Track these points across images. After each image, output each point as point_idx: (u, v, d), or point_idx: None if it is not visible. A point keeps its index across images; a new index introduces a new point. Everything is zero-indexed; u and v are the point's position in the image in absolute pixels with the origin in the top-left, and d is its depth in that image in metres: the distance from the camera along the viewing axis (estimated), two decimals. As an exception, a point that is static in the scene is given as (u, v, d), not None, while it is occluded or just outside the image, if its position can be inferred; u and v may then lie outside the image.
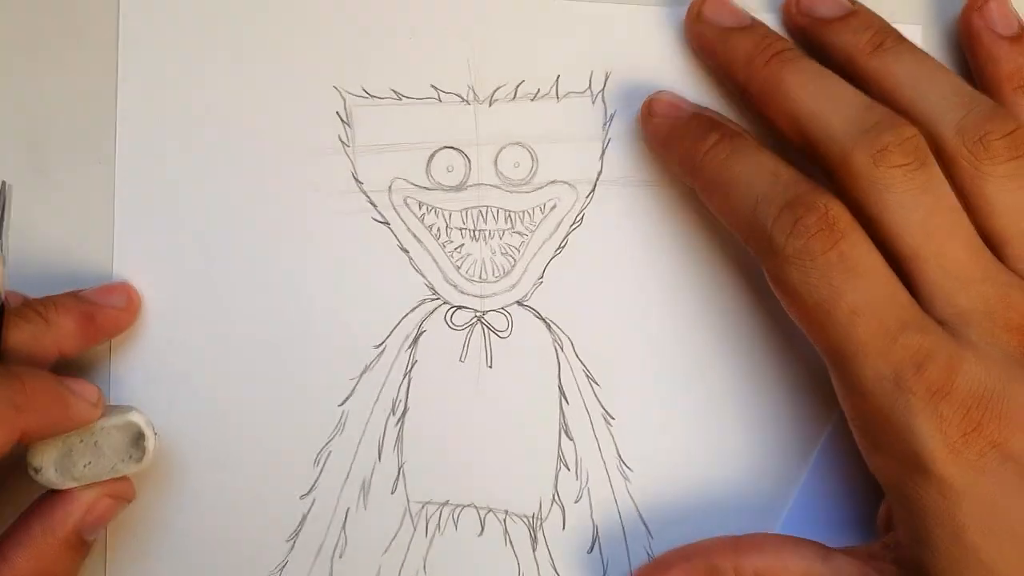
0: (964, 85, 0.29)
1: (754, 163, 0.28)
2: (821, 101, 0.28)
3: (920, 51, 0.30)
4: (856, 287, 0.26)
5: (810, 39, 0.32)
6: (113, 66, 0.33)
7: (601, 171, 0.33)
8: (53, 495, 0.29)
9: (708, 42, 0.32)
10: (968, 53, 0.33)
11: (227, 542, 0.32)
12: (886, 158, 0.27)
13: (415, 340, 0.33)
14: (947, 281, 0.27)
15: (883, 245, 0.27)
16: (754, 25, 0.32)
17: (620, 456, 0.33)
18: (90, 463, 0.28)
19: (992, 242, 0.28)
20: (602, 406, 0.33)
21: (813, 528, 0.32)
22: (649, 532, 0.33)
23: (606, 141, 0.33)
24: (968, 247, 0.27)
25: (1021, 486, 0.25)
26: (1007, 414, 0.26)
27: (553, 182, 0.33)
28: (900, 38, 0.30)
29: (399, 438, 0.33)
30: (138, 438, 0.29)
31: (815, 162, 0.29)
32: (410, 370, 0.33)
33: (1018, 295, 0.27)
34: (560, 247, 0.33)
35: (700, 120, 0.30)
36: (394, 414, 0.33)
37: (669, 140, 0.31)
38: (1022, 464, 0.25)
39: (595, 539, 0.33)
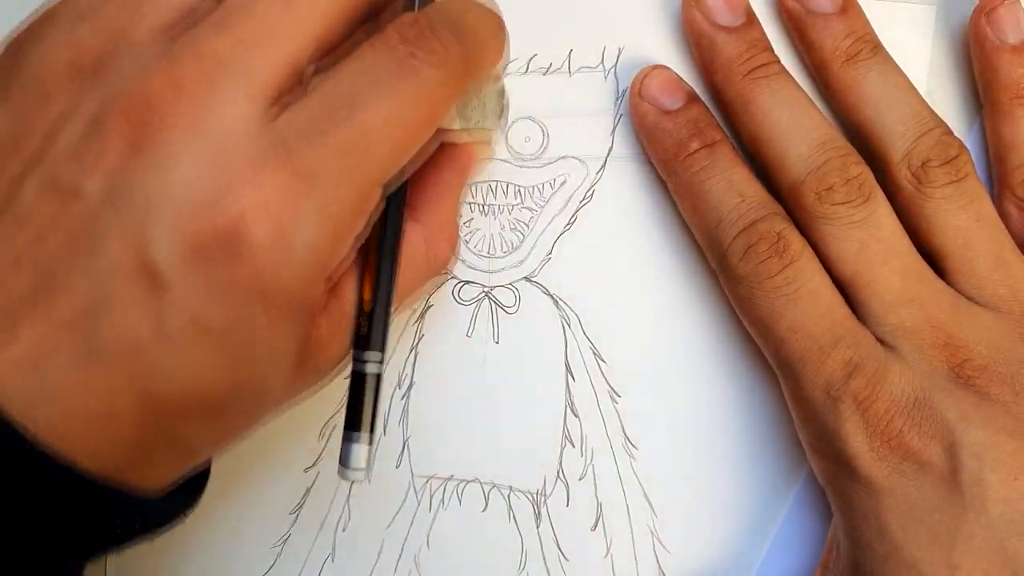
0: (922, 109, 0.31)
1: (725, 182, 0.30)
2: (781, 130, 0.30)
3: (891, 68, 0.31)
4: (795, 307, 0.29)
5: (795, 29, 0.33)
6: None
7: (612, 147, 0.33)
8: (451, 145, 0.29)
9: (696, 36, 0.32)
10: (972, 54, 0.33)
11: (231, 514, 0.32)
12: (830, 196, 0.30)
13: (422, 314, 0.33)
14: (878, 304, 0.29)
15: (827, 269, 0.30)
16: (745, 27, 0.32)
17: (625, 434, 0.33)
18: (476, 111, 0.28)
19: (934, 259, 0.30)
20: (608, 383, 0.33)
21: (822, 508, 0.32)
22: (653, 510, 0.33)
23: (617, 117, 0.33)
24: (901, 272, 0.29)
25: (936, 490, 0.27)
26: (926, 423, 0.28)
27: (563, 157, 0.33)
28: (875, 50, 0.31)
29: (404, 412, 0.33)
30: (500, 100, 0.30)
31: (768, 179, 0.31)
32: (416, 344, 0.33)
33: (944, 316, 0.29)
34: (569, 223, 0.33)
35: (686, 122, 0.31)
36: (400, 388, 0.33)
37: (653, 133, 0.31)
38: (937, 470, 0.27)
39: (599, 516, 0.33)
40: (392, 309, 0.27)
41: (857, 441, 0.28)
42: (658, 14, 0.33)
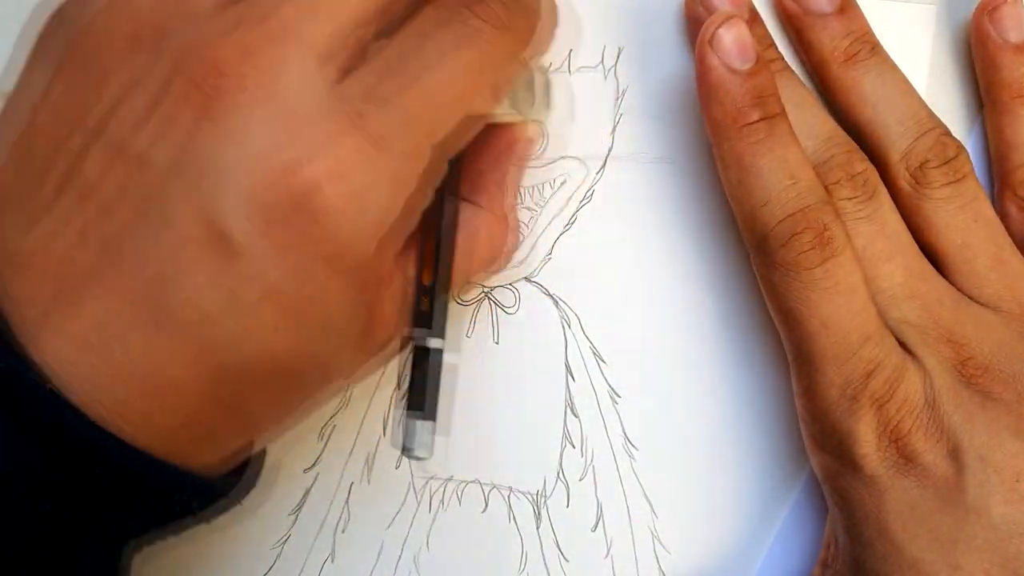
0: (920, 109, 0.31)
1: (779, 160, 0.29)
2: None
3: (889, 68, 0.31)
4: (831, 303, 0.28)
5: (794, 29, 0.33)
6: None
7: (612, 147, 0.33)
8: (505, 128, 0.29)
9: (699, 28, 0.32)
10: (974, 53, 0.33)
11: (230, 515, 0.32)
12: (836, 191, 0.30)
13: (421, 315, 0.33)
14: (882, 299, 0.29)
15: None
16: (749, 24, 0.31)
17: (626, 434, 0.33)
18: (527, 98, 0.28)
19: (933, 259, 0.30)
20: (608, 384, 0.33)
21: (822, 508, 0.32)
22: (654, 511, 0.33)
23: (618, 117, 0.33)
24: (904, 269, 0.29)
25: (939, 491, 0.27)
26: (932, 425, 0.28)
27: (563, 157, 0.33)
28: (874, 50, 0.31)
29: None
30: (546, 86, 0.30)
31: None
32: (416, 345, 0.33)
33: (946, 313, 0.29)
34: (569, 223, 0.33)
35: (751, 88, 0.29)
36: (399, 388, 0.33)
37: (715, 91, 0.29)
38: (941, 471, 0.27)
39: (599, 517, 0.33)
40: (453, 290, 0.27)
41: (867, 440, 0.28)
42: (658, 14, 0.33)
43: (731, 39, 0.29)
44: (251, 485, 0.26)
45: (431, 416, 0.27)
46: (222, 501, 0.25)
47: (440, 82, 0.23)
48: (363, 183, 0.22)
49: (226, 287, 0.21)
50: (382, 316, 0.25)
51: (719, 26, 0.29)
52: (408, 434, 0.26)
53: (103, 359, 0.21)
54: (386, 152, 0.22)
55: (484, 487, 0.33)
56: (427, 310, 0.26)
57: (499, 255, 0.29)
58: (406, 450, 0.27)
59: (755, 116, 0.29)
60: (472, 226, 0.28)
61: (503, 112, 0.28)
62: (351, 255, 0.22)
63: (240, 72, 0.22)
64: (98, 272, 0.21)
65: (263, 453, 0.26)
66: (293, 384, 0.24)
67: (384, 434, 0.33)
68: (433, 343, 0.27)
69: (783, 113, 0.30)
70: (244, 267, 0.21)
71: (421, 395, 0.27)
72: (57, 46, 0.24)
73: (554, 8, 0.26)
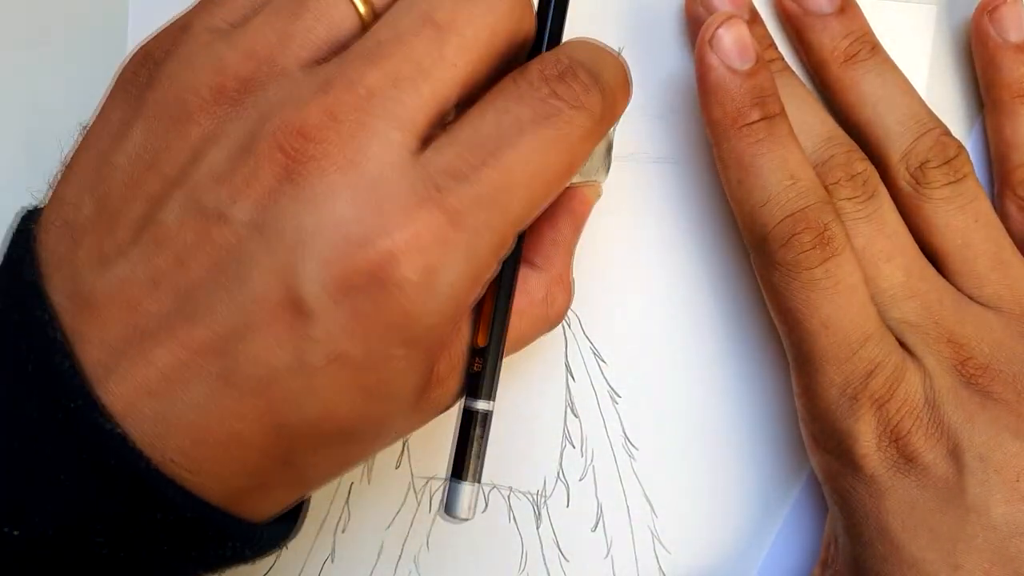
0: (920, 110, 0.31)
1: (779, 160, 0.29)
2: None
3: (889, 68, 0.31)
4: (831, 303, 0.28)
5: (793, 29, 0.33)
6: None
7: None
8: (564, 197, 0.29)
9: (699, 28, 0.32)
10: (974, 53, 0.33)
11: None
12: (837, 191, 0.30)
13: (421, 315, 0.33)
14: (882, 299, 0.29)
15: None
16: (749, 24, 0.31)
17: (626, 434, 0.33)
18: (587, 164, 0.28)
19: (934, 259, 0.30)
20: (609, 384, 0.33)
21: (822, 508, 0.32)
22: (653, 511, 0.33)
23: (618, 117, 0.33)
24: (904, 268, 0.30)
25: (939, 491, 0.27)
26: (933, 425, 0.28)
27: (564, 157, 0.33)
28: (874, 50, 0.32)
29: (404, 413, 0.33)
30: (608, 150, 0.30)
31: None
32: (416, 345, 0.33)
33: (946, 313, 0.29)
34: (569, 223, 0.33)
35: (751, 88, 0.29)
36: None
37: (714, 91, 0.29)
38: (941, 471, 0.28)
39: (599, 517, 0.33)
40: (504, 353, 0.27)
41: (867, 440, 0.28)
42: (658, 14, 0.33)
43: (731, 39, 0.29)
44: (296, 532, 0.26)
45: (476, 479, 0.27)
46: (270, 545, 0.25)
47: (518, 161, 0.23)
48: (438, 259, 0.22)
49: (296, 348, 0.22)
50: (440, 377, 0.26)
51: (719, 26, 0.29)
52: (452, 497, 0.26)
53: (168, 408, 0.21)
54: (463, 229, 0.22)
55: (484, 487, 0.33)
56: (479, 372, 0.26)
57: (555, 317, 0.29)
58: (447, 515, 0.27)
59: (755, 116, 0.29)
60: (529, 286, 0.28)
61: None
62: (421, 326, 0.23)
63: (326, 138, 0.22)
64: (170, 323, 0.22)
65: (307, 501, 0.26)
66: (351, 444, 0.24)
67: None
68: (482, 406, 0.27)
69: (783, 113, 0.30)
70: (315, 331, 0.22)
71: (467, 459, 0.27)
72: (140, 85, 0.24)
73: (627, 85, 0.26)
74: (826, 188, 0.29)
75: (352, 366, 0.22)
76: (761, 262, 0.30)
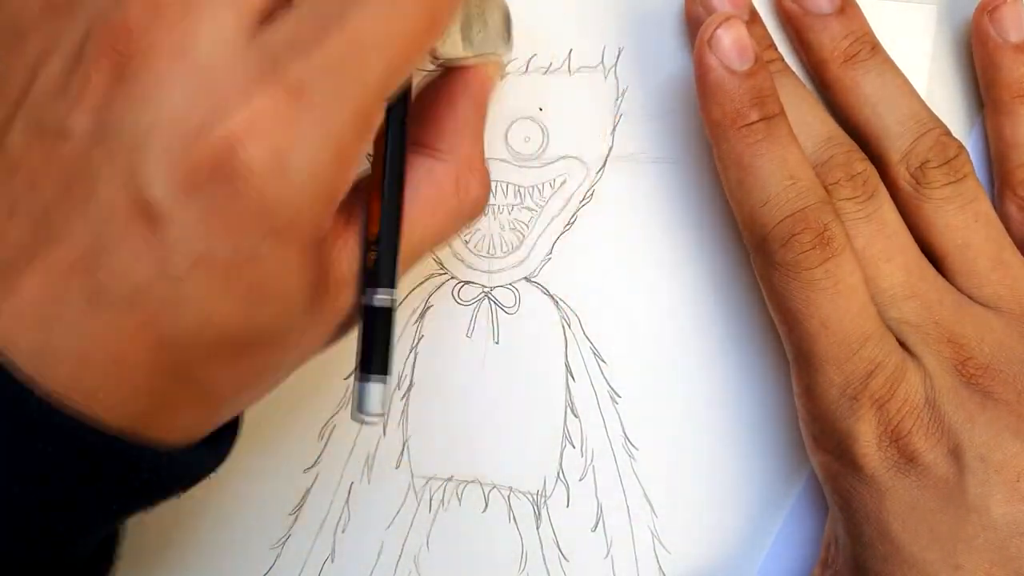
0: (921, 109, 0.31)
1: (778, 160, 0.29)
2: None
3: (889, 68, 0.31)
4: (831, 303, 0.28)
5: (793, 29, 0.33)
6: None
7: (612, 147, 0.33)
8: (461, 70, 0.27)
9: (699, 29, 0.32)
10: (974, 53, 0.33)
11: (229, 515, 0.32)
12: (837, 191, 0.30)
13: (421, 315, 0.33)
14: (882, 299, 0.29)
15: None
16: (748, 25, 0.31)
17: (626, 434, 0.33)
18: (480, 33, 0.27)
19: (934, 259, 0.30)
20: (609, 384, 0.33)
21: (822, 508, 0.32)
22: (654, 511, 0.33)
23: (618, 117, 0.33)
24: (904, 268, 0.29)
25: (939, 491, 0.27)
26: (933, 425, 0.28)
27: (563, 157, 0.33)
28: (874, 50, 0.31)
29: (404, 413, 0.33)
30: (506, 20, 0.28)
31: None
32: (416, 345, 0.33)
33: (946, 313, 0.29)
34: (569, 223, 0.33)
35: (749, 88, 0.29)
36: (399, 389, 0.33)
37: (713, 92, 0.29)
38: (941, 472, 0.27)
39: (599, 517, 0.33)
40: (426, 249, 0.26)
41: (867, 440, 0.28)
42: (658, 14, 0.33)
43: (730, 40, 0.29)
44: (226, 455, 0.25)
45: (382, 373, 0.25)
46: (192, 472, 0.24)
47: (369, 25, 0.21)
48: (284, 139, 0.21)
49: (156, 257, 0.21)
50: (338, 278, 0.24)
51: (718, 27, 0.29)
52: (362, 395, 0.25)
53: (46, 336, 0.21)
54: (310, 105, 0.21)
55: (484, 487, 0.33)
56: (374, 264, 0.24)
57: (472, 206, 0.27)
58: (358, 414, 0.25)
59: (754, 116, 0.29)
60: (436, 178, 0.26)
61: (453, 51, 0.26)
62: (284, 214, 0.21)
63: (151, 31, 0.21)
64: (32, 249, 0.21)
65: (236, 424, 0.25)
66: (249, 353, 0.23)
67: (384, 434, 0.33)
68: (380, 299, 0.24)
69: (782, 113, 0.30)
70: (172, 234, 0.21)
71: (370, 353, 0.25)
72: None
73: None
74: (826, 188, 0.29)
75: (218, 266, 0.21)
76: (761, 262, 0.30)
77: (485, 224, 0.33)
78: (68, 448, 0.21)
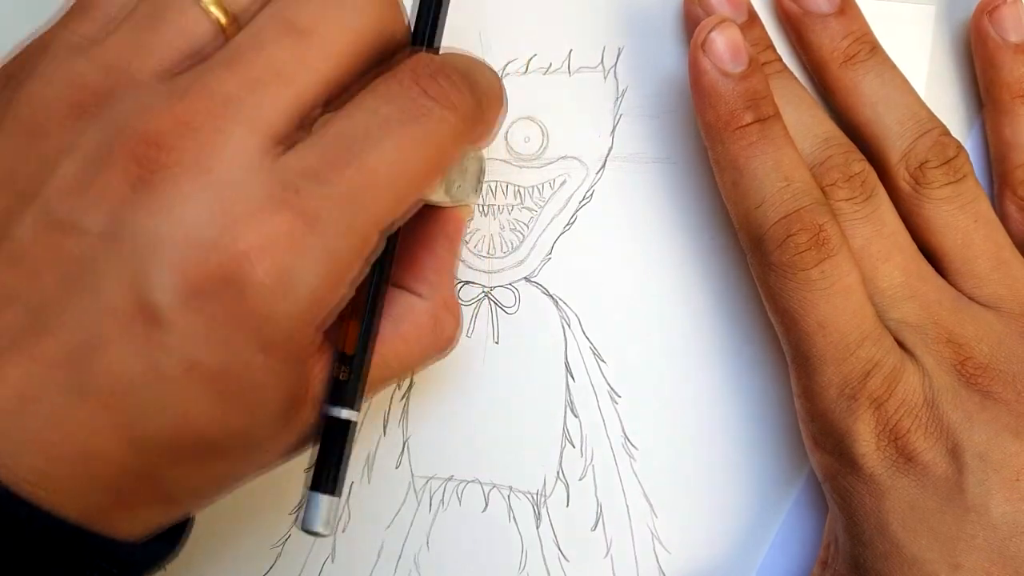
0: (920, 110, 0.31)
1: (773, 162, 0.29)
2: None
3: (889, 68, 0.31)
4: (828, 303, 0.28)
5: (793, 30, 0.33)
6: None
7: (612, 147, 0.33)
8: (437, 211, 0.28)
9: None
10: (974, 53, 0.33)
11: (231, 515, 0.32)
12: (834, 191, 0.30)
13: (421, 315, 0.33)
14: (880, 299, 0.29)
15: None
16: (747, 26, 0.32)
17: (625, 434, 0.33)
18: (459, 186, 0.27)
19: (933, 259, 0.30)
20: (608, 384, 0.33)
21: (822, 508, 0.32)
22: (653, 511, 0.33)
23: (617, 117, 0.33)
24: (903, 269, 0.30)
25: (939, 490, 0.27)
26: (932, 424, 0.28)
27: (563, 157, 0.33)
28: (873, 50, 0.32)
29: (404, 413, 0.33)
30: (480, 172, 0.29)
31: None
32: (416, 345, 0.33)
33: (945, 313, 0.29)
34: (569, 223, 0.33)
35: (744, 91, 0.29)
36: (399, 388, 0.33)
37: (708, 95, 0.30)
38: (940, 471, 0.28)
39: (599, 517, 0.33)
40: (394, 377, 0.27)
41: (866, 440, 0.28)
42: (658, 14, 0.33)
43: (723, 43, 0.29)
44: (177, 552, 0.25)
45: (336, 492, 0.25)
46: (144, 565, 0.24)
47: (381, 162, 0.23)
48: (291, 260, 0.22)
49: (150, 358, 0.21)
50: (311, 393, 0.25)
51: (711, 30, 0.29)
52: (310, 510, 0.25)
53: (20, 425, 0.21)
54: (319, 230, 0.22)
55: (484, 486, 0.33)
56: (345, 380, 0.25)
57: (446, 342, 0.28)
58: (306, 526, 0.25)
59: (748, 119, 0.29)
60: (416, 316, 0.27)
61: (435, 196, 0.27)
62: (279, 330, 0.22)
63: (177, 146, 0.22)
64: (22, 338, 0.21)
65: (191, 521, 0.26)
66: (216, 459, 0.23)
67: (384, 433, 0.33)
68: (345, 415, 0.25)
69: (777, 115, 0.30)
70: (169, 339, 0.21)
71: (327, 470, 0.25)
72: (0, 107, 0.23)
73: (503, 94, 0.26)
74: (823, 189, 0.29)
75: (208, 374, 0.22)
76: (757, 264, 0.30)
77: (485, 224, 0.33)
78: (27, 536, 0.21)
